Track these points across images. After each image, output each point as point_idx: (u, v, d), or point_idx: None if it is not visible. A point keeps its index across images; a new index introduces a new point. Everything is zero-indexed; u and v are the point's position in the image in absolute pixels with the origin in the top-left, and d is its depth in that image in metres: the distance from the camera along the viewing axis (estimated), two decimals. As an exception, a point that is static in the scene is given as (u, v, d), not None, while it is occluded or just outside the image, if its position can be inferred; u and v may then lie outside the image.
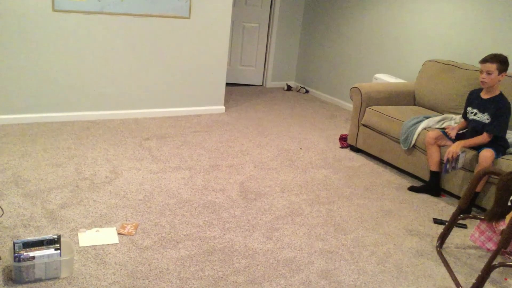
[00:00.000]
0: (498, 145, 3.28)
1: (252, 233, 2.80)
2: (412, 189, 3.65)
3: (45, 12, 4.11)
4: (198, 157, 3.92)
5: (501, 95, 3.29)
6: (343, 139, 4.58)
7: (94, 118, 4.61)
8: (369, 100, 4.27)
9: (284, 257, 2.59)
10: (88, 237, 2.58)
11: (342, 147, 4.53)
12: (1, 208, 2.77)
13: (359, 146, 4.36)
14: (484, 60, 3.21)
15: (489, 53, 3.64)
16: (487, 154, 3.17)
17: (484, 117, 3.31)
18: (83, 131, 4.24)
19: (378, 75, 5.13)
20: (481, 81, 3.26)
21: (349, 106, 5.97)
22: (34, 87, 4.27)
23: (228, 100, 5.86)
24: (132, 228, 2.72)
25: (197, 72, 5.02)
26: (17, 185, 3.10)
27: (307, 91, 6.71)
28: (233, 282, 2.33)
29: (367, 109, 4.23)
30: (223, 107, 5.33)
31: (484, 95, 3.36)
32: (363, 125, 4.28)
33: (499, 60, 3.18)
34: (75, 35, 4.30)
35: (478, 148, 3.33)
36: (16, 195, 2.96)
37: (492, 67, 3.18)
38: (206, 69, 5.06)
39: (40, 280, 2.19)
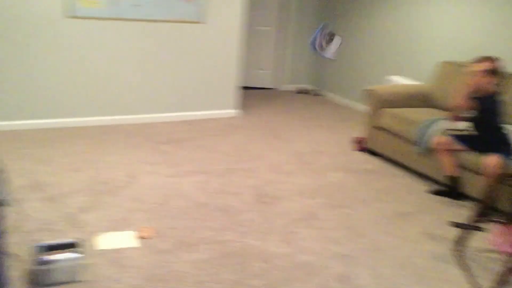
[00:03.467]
0: (506, 148, 3.24)
1: (268, 237, 2.81)
2: (433, 192, 3.61)
3: (61, 18, 4.18)
4: (214, 161, 3.94)
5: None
6: (358, 142, 4.56)
7: (111, 123, 4.67)
8: (383, 102, 4.25)
9: (300, 261, 2.59)
10: (107, 241, 2.61)
11: (357, 150, 4.51)
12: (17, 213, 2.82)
13: (375, 148, 4.34)
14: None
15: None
16: (491, 162, 3.14)
17: None
18: (100, 136, 4.29)
19: (390, 77, 5.11)
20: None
21: (363, 108, 5.95)
22: (52, 93, 4.33)
23: (242, 104, 5.88)
24: (150, 231, 2.74)
25: (212, 75, 5.05)
26: (37, 189, 3.15)
27: (320, 94, 6.71)
28: (250, 285, 2.34)
29: (382, 111, 4.21)
30: (238, 111, 5.36)
31: None
32: (378, 127, 4.26)
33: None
34: (91, 41, 4.36)
35: (485, 150, 3.29)
36: (37, 199, 3.01)
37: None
38: (220, 72, 5.08)
39: (59, 283, 2.22)
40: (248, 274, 2.43)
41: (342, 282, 2.44)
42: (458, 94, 3.43)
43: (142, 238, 2.68)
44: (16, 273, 2.26)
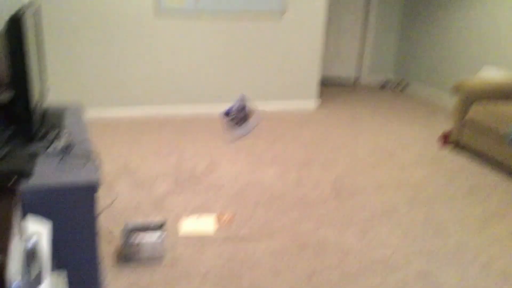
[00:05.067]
0: None
1: (346, 230, 2.78)
2: None
3: (149, 14, 4.41)
4: (292, 152, 3.96)
5: None
6: (444, 136, 4.35)
7: (195, 112, 4.86)
8: (475, 95, 4.00)
9: (379, 256, 2.54)
10: (188, 224, 2.73)
11: (443, 145, 4.31)
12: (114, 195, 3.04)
13: (463, 144, 4.11)
14: None
15: None
16: None
17: None
18: (184, 125, 4.48)
19: (485, 69, 4.79)
20: None
21: (452, 102, 5.64)
22: (140, 84, 4.60)
23: (322, 96, 5.84)
24: (229, 218, 2.83)
25: (293, 66, 5.06)
26: (126, 173, 3.37)
27: (403, 90, 6.45)
28: (326, 277, 2.34)
29: (473, 105, 3.97)
30: (317, 103, 5.32)
31: None
32: (467, 122, 4.03)
33: None
34: (175, 34, 4.55)
35: None
36: (126, 182, 3.22)
37: None
38: (301, 63, 5.08)
39: (146, 260, 2.37)
40: (325, 265, 2.43)
41: (422, 279, 2.36)
42: None
43: (221, 224, 2.77)
44: (108, 250, 2.45)
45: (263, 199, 3.10)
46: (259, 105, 5.06)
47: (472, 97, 4.01)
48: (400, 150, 4.12)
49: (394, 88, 6.50)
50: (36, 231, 1.38)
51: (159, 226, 2.44)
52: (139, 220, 2.75)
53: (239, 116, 2.55)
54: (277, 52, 4.95)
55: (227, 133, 2.50)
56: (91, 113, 4.54)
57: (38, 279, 1.06)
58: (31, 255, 1.08)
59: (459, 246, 2.68)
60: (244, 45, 4.81)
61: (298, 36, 4.96)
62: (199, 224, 2.75)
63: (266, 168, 3.61)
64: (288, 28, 4.89)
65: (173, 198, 3.05)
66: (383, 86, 6.55)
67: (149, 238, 2.35)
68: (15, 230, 0.94)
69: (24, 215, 1.11)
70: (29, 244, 0.99)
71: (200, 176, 3.39)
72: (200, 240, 2.59)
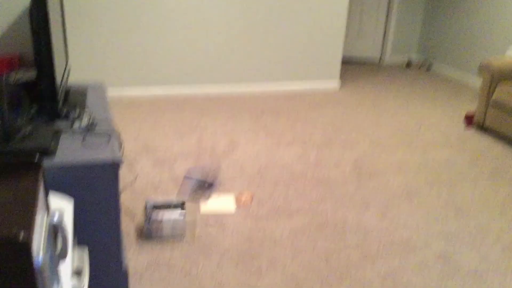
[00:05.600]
0: None
1: (365, 211, 2.77)
2: None
3: (173, -8, 4.39)
4: (312, 132, 3.94)
5: None
6: (469, 118, 4.26)
7: (215, 92, 4.86)
8: (502, 75, 3.89)
9: (399, 237, 2.53)
10: (209, 204, 2.76)
11: (467, 127, 4.22)
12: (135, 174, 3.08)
13: (488, 126, 4.02)
14: None
15: None
16: None
17: None
18: (205, 104, 4.49)
19: (513, 48, 4.64)
20: None
21: (478, 82, 5.51)
22: (163, 63, 4.61)
23: (343, 75, 5.76)
24: (248, 197, 2.85)
25: (314, 46, 5.00)
26: (148, 152, 3.41)
27: (429, 69, 6.31)
28: (345, 256, 2.34)
29: (499, 85, 3.86)
30: (339, 83, 5.26)
31: None
32: (493, 103, 3.93)
33: None
34: (199, 13, 4.53)
35: None
36: (147, 161, 3.26)
37: None
38: (322, 42, 5.01)
39: (167, 237, 2.41)
40: (345, 245, 2.43)
41: (443, 261, 2.34)
42: None
43: (241, 203, 2.79)
44: (129, 227, 2.50)
45: (283, 179, 3.11)
46: (281, 85, 5.03)
47: (498, 77, 3.90)
48: (423, 131, 4.06)
49: (420, 67, 6.37)
50: (60, 208, 1.41)
51: (180, 204, 2.47)
52: (160, 198, 2.79)
53: (203, 187, 2.57)
54: (300, 31, 4.89)
55: (184, 192, 2.55)
56: (112, 92, 4.58)
57: (61, 255, 1.08)
58: (55, 231, 1.11)
59: (480, 228, 2.64)
60: (266, 24, 4.75)
61: (321, 15, 4.87)
62: (219, 203, 2.77)
63: (286, 148, 3.60)
64: (310, 7, 4.81)
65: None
66: (408, 65, 6.42)
67: (170, 216, 2.38)
68: (39, 206, 0.96)
69: (47, 192, 1.14)
70: (53, 220, 1.02)
71: (220, 156, 3.41)
72: (220, 219, 2.62)
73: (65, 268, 1.23)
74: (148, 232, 2.39)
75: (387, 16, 6.38)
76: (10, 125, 1.57)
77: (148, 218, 2.37)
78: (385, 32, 6.46)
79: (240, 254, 2.33)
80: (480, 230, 2.62)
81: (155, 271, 2.18)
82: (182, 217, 2.40)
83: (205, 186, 2.47)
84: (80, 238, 1.76)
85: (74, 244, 1.41)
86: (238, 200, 2.81)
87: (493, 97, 3.91)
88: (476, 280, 2.21)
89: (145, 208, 2.42)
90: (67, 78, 2.21)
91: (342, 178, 3.16)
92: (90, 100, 2.31)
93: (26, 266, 0.82)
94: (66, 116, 1.99)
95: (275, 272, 2.21)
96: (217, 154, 3.41)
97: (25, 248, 0.80)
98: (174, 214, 2.39)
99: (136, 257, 2.26)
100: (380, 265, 2.29)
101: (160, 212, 2.38)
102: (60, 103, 1.91)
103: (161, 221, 2.36)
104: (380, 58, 6.61)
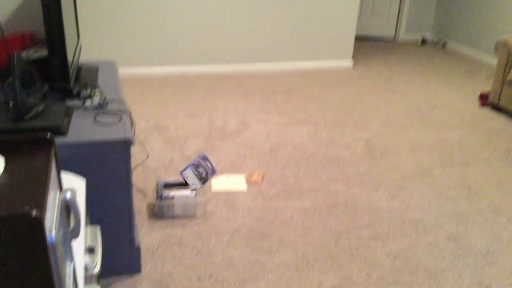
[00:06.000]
0: None
1: (377, 191, 2.76)
2: None
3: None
4: (324, 112, 3.91)
5: None
6: (483, 97, 4.19)
7: (226, 71, 4.83)
8: (518, 54, 3.80)
9: (410, 217, 2.52)
10: (220, 183, 2.77)
11: (482, 106, 4.16)
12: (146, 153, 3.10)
13: (503, 105, 3.95)
14: None
15: None
16: None
17: None
18: (215, 84, 4.48)
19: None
20: None
21: (493, 61, 5.40)
22: (174, 42, 4.58)
23: (356, 54, 5.68)
24: (259, 177, 2.85)
25: (326, 24, 4.92)
26: (159, 131, 3.41)
27: (444, 45, 6.19)
28: (355, 236, 2.34)
29: (515, 64, 3.78)
30: (351, 61, 5.19)
31: None
32: (509, 82, 3.85)
33: None
34: (210, -10, 4.48)
35: None
36: (158, 140, 3.27)
37: None
38: (335, 21, 4.93)
39: (178, 217, 2.43)
40: (355, 225, 2.43)
41: (453, 241, 2.33)
42: None
43: (251, 182, 2.79)
44: (140, 206, 2.52)
45: (294, 159, 3.10)
46: (293, 64, 4.98)
47: (516, 55, 3.82)
48: (436, 110, 4.01)
49: (435, 44, 6.26)
50: (72, 186, 1.43)
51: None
52: (171, 177, 2.81)
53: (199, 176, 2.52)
54: (313, 9, 4.81)
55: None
56: (123, 71, 4.58)
57: (74, 233, 1.10)
58: (67, 209, 1.12)
59: (492, 209, 2.62)
60: (278, 2, 4.68)
61: (333, -9, 4.79)
62: (229, 183, 2.78)
63: (298, 127, 3.59)
64: (322, -17, 4.72)
65: (205, 156, 3.09)
66: (423, 42, 6.31)
67: (181, 195, 2.40)
68: (51, 184, 0.96)
69: (60, 170, 1.15)
70: (66, 198, 1.03)
71: (231, 135, 3.41)
72: (230, 198, 2.63)
73: (78, 246, 1.25)
74: (160, 211, 2.41)
75: (402, -7, 6.25)
76: (23, 104, 1.58)
77: (159, 197, 2.38)
78: (399, 10, 6.33)
79: (251, 232, 2.34)
80: (493, 211, 2.60)
81: (166, 248, 2.20)
82: (193, 196, 2.41)
83: (202, 181, 2.49)
84: (93, 215, 1.78)
85: (86, 222, 1.42)
86: (249, 180, 2.82)
87: (509, 77, 3.83)
88: (488, 261, 2.21)
89: (156, 187, 2.44)
90: (78, 56, 2.20)
91: (353, 157, 3.14)
92: (102, 78, 2.30)
93: (39, 243, 0.82)
94: (78, 95, 2.00)
95: (286, 251, 2.22)
96: (229, 133, 3.41)
97: (38, 225, 0.81)
98: (185, 193, 2.40)
99: (148, 235, 2.29)
100: (391, 245, 2.29)
101: (171, 191, 2.40)
102: (72, 81, 1.91)
103: (172, 200, 2.38)
104: (395, 37, 6.50)
